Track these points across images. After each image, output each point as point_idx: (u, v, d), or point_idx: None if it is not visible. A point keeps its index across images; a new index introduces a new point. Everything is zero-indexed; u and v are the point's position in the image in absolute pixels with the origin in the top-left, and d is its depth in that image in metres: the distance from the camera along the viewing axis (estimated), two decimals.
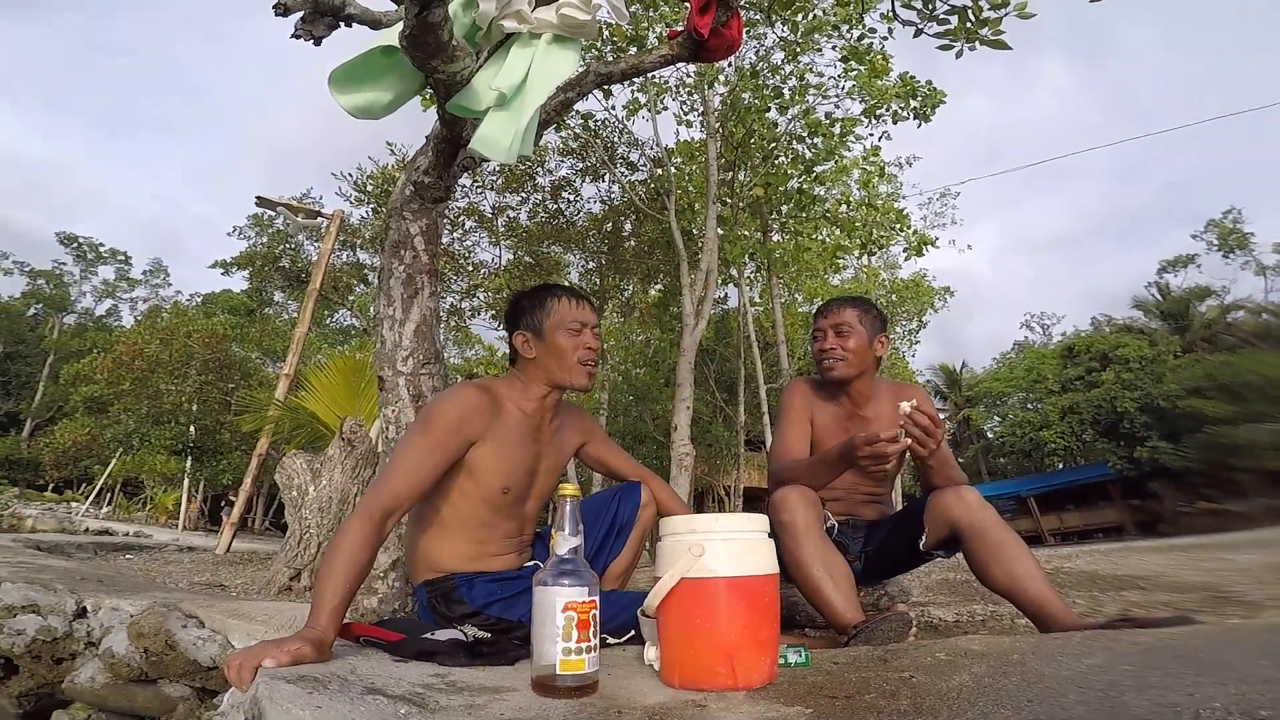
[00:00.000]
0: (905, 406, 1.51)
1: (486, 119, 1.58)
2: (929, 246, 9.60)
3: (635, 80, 9.21)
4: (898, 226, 10.02)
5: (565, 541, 1.03)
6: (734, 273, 11.10)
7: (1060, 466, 24.62)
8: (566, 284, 1.67)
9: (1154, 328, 24.50)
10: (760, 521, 1.11)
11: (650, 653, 1.13)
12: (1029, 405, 26.66)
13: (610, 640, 1.39)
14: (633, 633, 1.40)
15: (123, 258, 37.93)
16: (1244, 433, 16.59)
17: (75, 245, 36.77)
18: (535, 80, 1.60)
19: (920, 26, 3.46)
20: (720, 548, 1.05)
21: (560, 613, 0.97)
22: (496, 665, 1.19)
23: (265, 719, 0.89)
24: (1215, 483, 19.59)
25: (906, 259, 10.16)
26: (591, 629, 0.98)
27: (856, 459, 1.51)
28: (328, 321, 24.27)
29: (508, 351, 1.66)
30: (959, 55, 3.45)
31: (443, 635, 1.31)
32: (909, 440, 1.49)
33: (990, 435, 28.51)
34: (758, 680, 1.02)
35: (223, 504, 20.16)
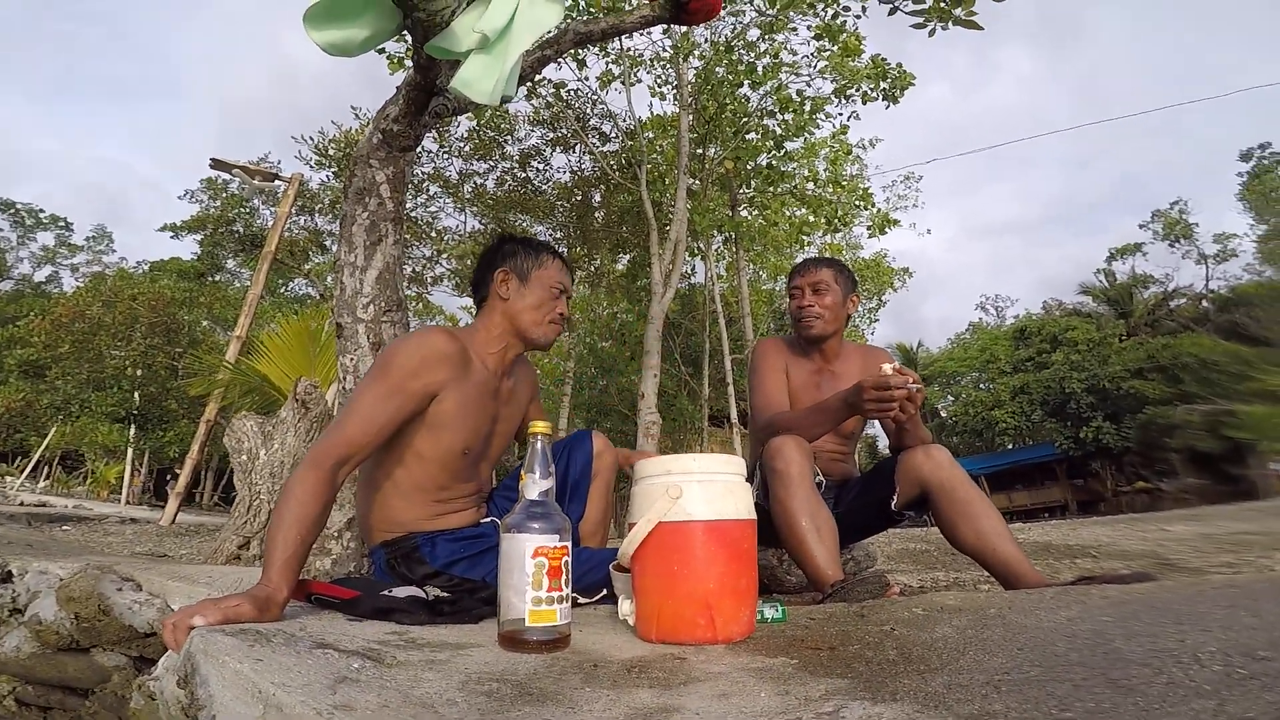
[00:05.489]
0: (887, 368, 1.50)
1: (468, 61, 1.50)
2: (891, 226, 9.74)
3: (610, 51, 9.06)
4: (861, 205, 10.15)
5: (535, 484, 0.97)
6: (701, 245, 11.10)
7: (1010, 446, 25.56)
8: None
9: (1101, 312, 25.48)
10: (738, 464, 1.07)
11: (625, 607, 1.09)
12: (981, 385, 27.51)
13: (581, 600, 1.34)
14: (604, 592, 1.34)
15: (63, 224, 36.46)
16: (1179, 413, 17.49)
17: (12, 211, 35.12)
18: (520, 27, 1.51)
19: (895, 4, 3.50)
20: (698, 490, 1.00)
21: (530, 559, 0.90)
22: (460, 623, 1.13)
23: (200, 674, 0.82)
24: (1150, 463, 20.77)
25: (870, 237, 10.36)
26: (564, 577, 0.93)
27: (863, 403, 1.50)
28: (282, 290, 23.47)
29: (473, 296, 1.57)
30: (931, 34, 3.49)
31: (401, 593, 1.24)
32: (916, 387, 1.48)
33: (944, 414, 29.36)
34: (737, 633, 0.99)
35: (168, 478, 19.35)
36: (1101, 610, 1.03)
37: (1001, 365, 25.31)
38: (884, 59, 8.08)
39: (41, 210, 35.89)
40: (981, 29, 3.33)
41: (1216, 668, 0.67)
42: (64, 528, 4.92)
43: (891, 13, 3.54)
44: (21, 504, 7.96)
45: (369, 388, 1.28)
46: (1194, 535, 3.83)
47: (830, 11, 7.56)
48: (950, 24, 3.42)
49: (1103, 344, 22.63)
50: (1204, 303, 23.29)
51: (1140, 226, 27.40)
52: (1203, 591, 1.18)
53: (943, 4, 3.38)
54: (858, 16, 7.58)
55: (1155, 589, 1.23)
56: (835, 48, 8.02)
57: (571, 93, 9.99)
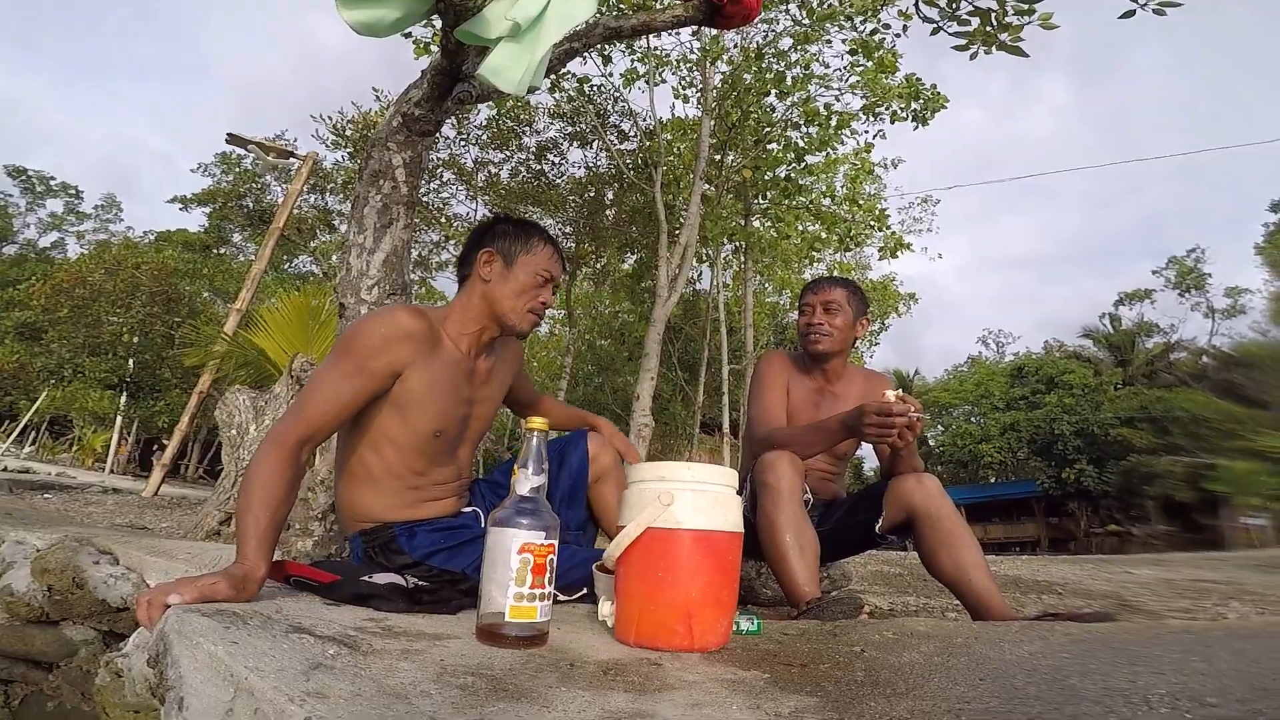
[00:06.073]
0: (891, 394, 1.51)
1: (497, 48, 1.51)
2: (904, 249, 9.71)
3: (636, 49, 9.01)
4: (876, 225, 10.11)
5: (527, 480, 0.98)
6: (709, 253, 11.10)
7: (993, 480, 25.57)
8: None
9: (1100, 358, 25.50)
10: (731, 476, 1.08)
11: (605, 608, 1.09)
12: (973, 418, 27.47)
13: (560, 597, 1.34)
14: (584, 591, 1.35)
15: (74, 191, 36.15)
16: (1162, 463, 17.57)
17: (24, 177, 34.84)
18: (552, 17, 1.52)
19: (940, 24, 3.42)
20: (689, 498, 1.01)
21: (515, 554, 0.91)
22: (438, 613, 1.13)
23: (171, 654, 0.82)
24: (1125, 508, 20.91)
25: (881, 259, 10.32)
26: (547, 575, 0.94)
27: (863, 427, 1.52)
28: (286, 266, 23.44)
29: (456, 273, 1.53)
30: (973, 57, 3.41)
31: (381, 579, 1.24)
32: (918, 416, 1.49)
33: (931, 443, 29.36)
34: (713, 643, 1.00)
35: (155, 448, 19.16)
36: (1061, 647, 1.05)
37: (995, 401, 25.30)
38: (918, 79, 7.94)
39: (52, 178, 35.73)
40: (1026, 56, 3.28)
41: (1164, 711, 0.69)
42: (45, 496, 4.89)
43: (934, 33, 3.48)
44: (5, 469, 7.91)
45: (331, 366, 1.27)
46: (1156, 579, 3.85)
47: (869, 27, 7.45)
48: (994, 49, 3.34)
49: (1098, 390, 22.67)
50: (1205, 358, 23.17)
51: (1154, 273, 27.02)
52: (1159, 635, 1.21)
53: (988, 28, 3.32)
54: (897, 35, 7.44)
55: (1114, 629, 1.26)
56: (869, 63, 7.89)
57: (594, 88, 9.94)
